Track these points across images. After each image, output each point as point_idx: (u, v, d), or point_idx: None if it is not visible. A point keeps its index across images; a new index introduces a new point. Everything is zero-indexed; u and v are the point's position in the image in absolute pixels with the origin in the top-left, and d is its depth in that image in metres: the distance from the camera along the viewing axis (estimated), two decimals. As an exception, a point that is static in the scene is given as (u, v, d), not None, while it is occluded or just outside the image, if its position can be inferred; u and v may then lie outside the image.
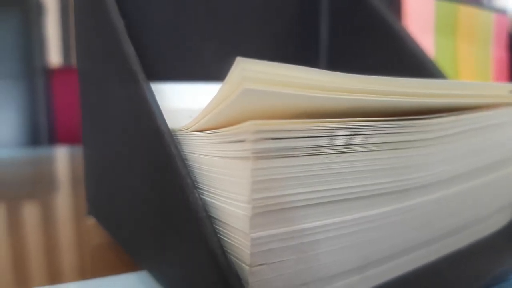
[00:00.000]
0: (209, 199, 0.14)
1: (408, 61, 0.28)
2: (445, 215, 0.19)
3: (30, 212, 0.31)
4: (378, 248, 0.16)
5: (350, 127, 0.14)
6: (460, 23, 0.32)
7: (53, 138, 0.90)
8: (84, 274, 0.20)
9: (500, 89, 0.19)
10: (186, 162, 0.15)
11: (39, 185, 0.42)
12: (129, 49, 0.17)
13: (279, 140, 0.13)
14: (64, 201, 0.35)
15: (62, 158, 0.67)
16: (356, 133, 0.14)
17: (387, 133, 0.15)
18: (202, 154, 0.14)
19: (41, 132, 0.90)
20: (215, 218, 0.14)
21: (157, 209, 0.16)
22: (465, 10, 0.30)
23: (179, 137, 0.15)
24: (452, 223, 0.19)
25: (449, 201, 0.19)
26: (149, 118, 0.15)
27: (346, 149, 0.14)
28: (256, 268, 0.13)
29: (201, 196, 0.14)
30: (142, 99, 0.16)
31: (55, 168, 0.58)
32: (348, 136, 0.14)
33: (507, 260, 0.20)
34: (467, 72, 0.33)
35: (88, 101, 0.22)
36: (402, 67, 0.28)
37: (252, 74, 0.12)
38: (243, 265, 0.13)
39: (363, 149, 0.15)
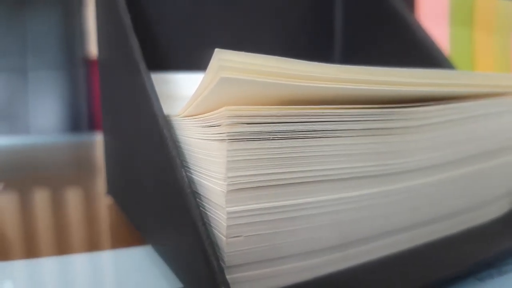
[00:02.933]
0: (196, 177, 0.16)
1: (417, 51, 0.28)
2: (431, 201, 0.19)
3: (65, 192, 0.33)
4: (359, 228, 0.17)
5: (326, 113, 0.15)
6: (476, 12, 0.31)
7: (93, 125, 0.94)
8: (100, 246, 0.22)
9: (491, 80, 0.20)
10: (177, 144, 0.17)
11: (76, 168, 0.45)
12: (134, 41, 0.18)
13: (254, 124, 0.14)
14: (98, 183, 0.37)
15: (100, 144, 0.70)
16: (332, 120, 0.15)
17: (366, 120, 0.16)
18: (190, 137, 0.16)
19: (81, 119, 0.94)
20: (200, 195, 0.16)
21: (155, 187, 0.18)
22: (482, -1, 0.30)
23: (173, 122, 0.17)
24: (440, 209, 0.20)
25: (435, 187, 0.19)
26: (147, 104, 0.17)
27: (322, 134, 0.15)
28: (231, 239, 0.14)
29: (189, 174, 0.16)
30: (142, 87, 0.17)
31: (93, 152, 0.61)
32: (323, 122, 0.15)
33: (498, 248, 0.20)
34: (484, 64, 0.32)
35: (104, 89, 0.24)
36: (411, 58, 0.29)
37: (228, 64, 0.13)
38: (221, 236, 0.14)
39: (340, 134, 0.16)
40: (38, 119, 0.87)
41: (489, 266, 0.20)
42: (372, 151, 0.17)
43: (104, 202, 0.29)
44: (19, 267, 0.20)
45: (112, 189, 0.26)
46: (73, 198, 0.32)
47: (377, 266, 0.18)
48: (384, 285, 0.17)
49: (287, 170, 0.15)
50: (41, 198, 0.31)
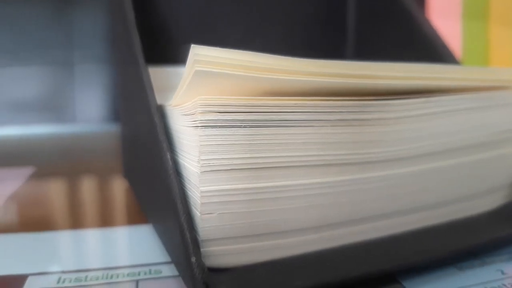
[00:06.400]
0: (181, 161, 0.18)
1: (421, 46, 0.29)
2: (412, 190, 0.20)
3: (90, 176, 0.36)
4: (335, 212, 0.18)
5: (299, 105, 0.16)
6: (492, 4, 0.30)
7: (133, 116, 0.97)
8: (104, 224, 0.25)
9: (477, 74, 0.20)
10: (168, 130, 0.18)
11: (110, 154, 0.48)
12: (135, 37, 0.20)
13: (225, 113, 0.15)
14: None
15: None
16: (305, 111, 0.16)
17: (340, 112, 0.17)
18: (177, 125, 0.18)
19: (122, 110, 0.98)
20: (183, 176, 0.17)
21: (149, 170, 0.20)
22: (498, -11, 0.29)
23: (166, 111, 0.19)
24: (422, 199, 0.20)
25: (417, 177, 0.20)
26: (143, 95, 0.19)
27: (294, 124, 0.16)
28: (206, 216, 0.16)
29: (176, 157, 0.18)
30: (140, 79, 0.19)
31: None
32: (296, 113, 0.16)
33: (482, 239, 0.21)
34: (501, 59, 0.31)
35: (117, 81, 0.26)
36: (416, 53, 0.29)
37: (202, 58, 0.15)
38: (197, 212, 0.16)
39: (313, 124, 0.17)
40: (84, 110, 0.92)
41: (474, 256, 0.21)
42: (347, 140, 0.18)
43: (122, 185, 0.32)
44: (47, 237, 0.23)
45: (126, 172, 0.28)
46: (95, 181, 0.34)
47: (353, 249, 0.19)
48: (356, 266, 0.18)
49: (259, 155, 0.16)
50: (65, 182, 0.34)
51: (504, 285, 0.18)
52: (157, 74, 0.24)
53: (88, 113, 0.92)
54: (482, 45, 0.31)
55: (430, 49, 0.28)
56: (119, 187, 0.32)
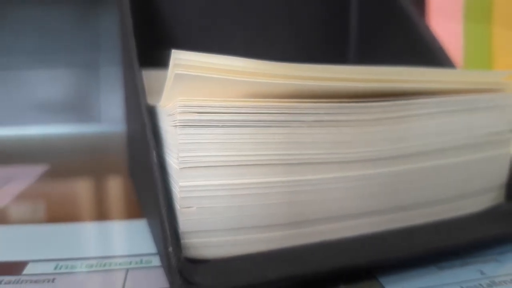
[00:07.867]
0: (167, 158, 0.19)
1: (420, 49, 0.29)
2: (393, 190, 0.20)
3: (97, 175, 0.38)
4: (314, 209, 0.19)
5: (275, 106, 0.17)
6: (495, 5, 0.30)
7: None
8: (111, 217, 0.26)
9: (457, 76, 0.21)
10: (157, 129, 0.20)
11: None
12: (132, 42, 0.22)
13: (203, 114, 0.16)
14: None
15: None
16: (281, 112, 0.17)
17: (316, 113, 0.18)
18: (164, 124, 0.19)
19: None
20: (168, 172, 0.19)
21: (141, 167, 0.21)
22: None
23: (156, 111, 0.20)
24: (404, 199, 0.21)
25: (400, 177, 0.20)
26: (136, 95, 0.20)
27: (271, 124, 0.17)
28: (185, 210, 0.17)
29: (162, 155, 0.19)
30: (134, 81, 0.21)
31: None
32: (272, 114, 0.17)
33: (464, 240, 0.21)
34: (503, 61, 0.31)
35: (122, 83, 0.28)
36: (415, 56, 0.30)
37: (182, 62, 0.16)
38: (178, 206, 0.17)
39: (290, 125, 0.18)
40: (108, 111, 0.95)
41: (455, 256, 0.21)
42: (325, 140, 0.18)
43: (129, 183, 0.33)
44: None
45: (130, 171, 0.30)
46: (104, 179, 0.36)
47: (331, 245, 0.19)
48: (331, 260, 0.18)
49: (236, 153, 0.17)
50: (76, 179, 0.36)
51: (481, 285, 0.19)
52: (158, 76, 0.25)
53: (112, 113, 0.95)
54: (485, 47, 0.31)
55: (428, 53, 0.29)
56: (125, 185, 0.33)
